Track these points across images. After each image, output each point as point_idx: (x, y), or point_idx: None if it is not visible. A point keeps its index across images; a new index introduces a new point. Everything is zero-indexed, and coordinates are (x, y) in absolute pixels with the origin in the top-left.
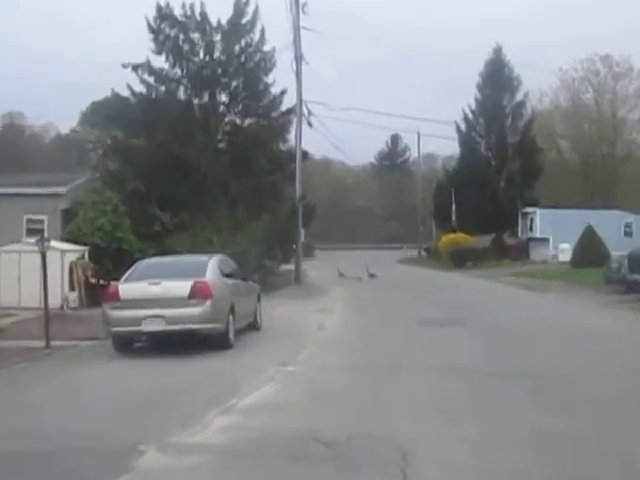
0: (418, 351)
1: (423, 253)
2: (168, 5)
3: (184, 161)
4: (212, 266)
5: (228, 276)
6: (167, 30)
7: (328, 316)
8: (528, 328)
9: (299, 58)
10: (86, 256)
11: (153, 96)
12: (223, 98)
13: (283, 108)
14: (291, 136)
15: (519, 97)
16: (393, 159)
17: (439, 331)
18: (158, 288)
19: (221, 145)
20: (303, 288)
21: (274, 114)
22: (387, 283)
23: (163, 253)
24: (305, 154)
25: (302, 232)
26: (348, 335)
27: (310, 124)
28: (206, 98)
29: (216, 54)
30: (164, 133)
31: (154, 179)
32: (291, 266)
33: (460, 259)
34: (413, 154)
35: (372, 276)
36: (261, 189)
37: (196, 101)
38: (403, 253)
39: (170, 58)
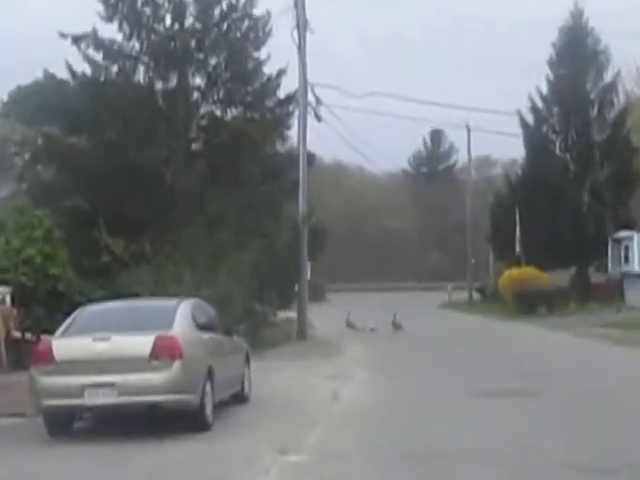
0: (471, 434)
1: (475, 295)
2: None
3: (144, 168)
4: (182, 314)
5: (205, 328)
6: None
7: (343, 384)
8: (634, 407)
9: (302, 25)
10: (7, 300)
11: (101, 78)
12: (197, 81)
13: (281, 95)
14: (292, 133)
15: (608, 78)
16: (433, 164)
17: (500, 406)
18: (107, 345)
19: (195, 146)
20: (309, 345)
21: (268, 103)
22: (423, 337)
23: (114, 296)
24: (312, 158)
25: (308, 266)
26: (371, 410)
27: (318, 117)
28: (174, 81)
29: (188, 21)
30: (116, 130)
31: (102, 193)
32: (292, 314)
33: (528, 303)
34: (461, 157)
35: (397, 327)
36: (251, 206)
37: (160, 85)
38: (447, 295)
39: (125, 27)
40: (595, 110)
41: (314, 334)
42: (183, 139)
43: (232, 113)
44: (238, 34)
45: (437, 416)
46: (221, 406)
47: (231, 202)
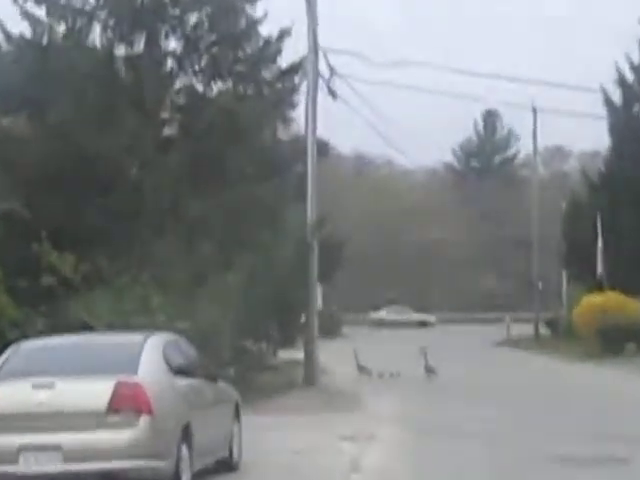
0: None
1: (544, 330)
2: None
3: (101, 161)
4: (151, 354)
5: (181, 372)
6: None
7: (365, 449)
8: None
9: None
10: None
11: (44, 41)
12: (172, 45)
13: (283, 64)
14: (298, 115)
15: None
16: (487, 156)
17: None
18: (50, 395)
19: (169, 131)
20: (319, 395)
21: (266, 74)
22: (470, 386)
23: (60, 329)
24: (324, 147)
25: (319, 290)
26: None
27: (333, 93)
28: (141, 45)
29: None
30: (64, 110)
31: (45, 194)
32: (298, 354)
33: (613, 340)
34: (524, 147)
35: (430, 371)
36: (242, 212)
37: (122, 51)
38: (506, 329)
39: None
40: None
41: (326, 381)
42: (153, 122)
43: (218, 88)
44: None
45: None
46: (203, 475)
47: (216, 206)
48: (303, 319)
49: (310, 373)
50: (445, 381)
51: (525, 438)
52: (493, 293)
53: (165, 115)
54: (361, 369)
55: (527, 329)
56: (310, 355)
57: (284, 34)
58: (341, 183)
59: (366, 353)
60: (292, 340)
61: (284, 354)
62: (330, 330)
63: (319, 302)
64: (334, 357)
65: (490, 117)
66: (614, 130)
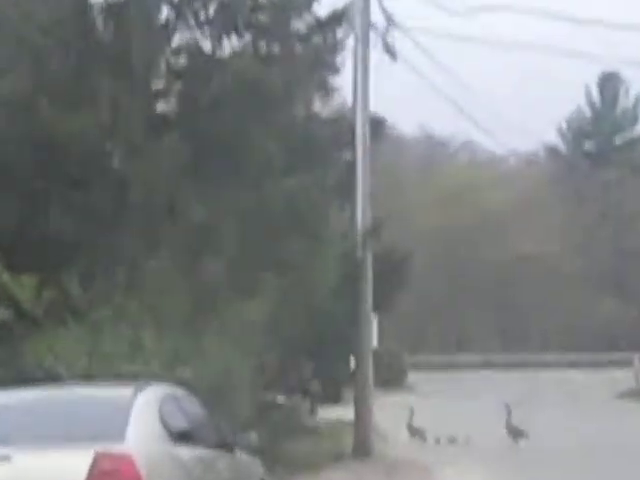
0: None
1: None
2: None
3: (71, 146)
4: (143, 414)
5: (184, 439)
6: None
7: None
8: None
9: None
10: None
11: None
12: None
13: (321, 11)
14: (343, 82)
15: None
16: (605, 135)
17: None
18: (6, 471)
19: (164, 107)
20: (375, 469)
21: (298, 25)
22: (582, 459)
23: (18, 380)
24: (379, 126)
25: (374, 323)
26: None
27: (392, 52)
28: None
29: None
30: (19, 76)
31: None
32: (346, 412)
33: None
34: None
35: (517, 436)
36: (266, 216)
37: None
38: (634, 375)
39: None
40: None
41: (385, 450)
42: (142, 94)
43: (231, 45)
44: None
45: None
46: None
47: (228, 209)
48: (353, 364)
49: (363, 439)
50: (540, 449)
51: None
52: (613, 325)
53: (159, 84)
54: (413, 431)
55: None
56: (363, 414)
57: None
58: (403, 175)
59: (435, 411)
60: (337, 393)
61: (327, 412)
62: (390, 379)
63: (374, 340)
64: (396, 416)
65: (609, 82)
66: None
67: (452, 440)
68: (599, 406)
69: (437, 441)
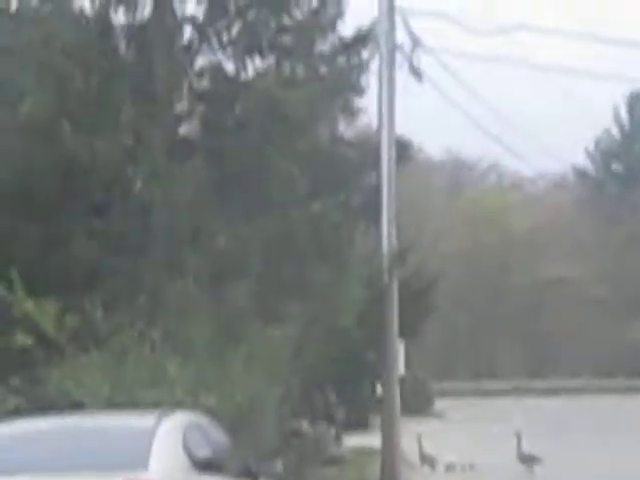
0: None
1: None
2: None
3: (92, 172)
4: (166, 442)
5: (208, 467)
6: None
7: None
8: None
9: None
10: None
11: (13, 7)
12: (191, 9)
13: (346, 31)
14: (369, 103)
15: None
16: (635, 156)
17: None
18: None
19: (187, 129)
20: None
21: (322, 47)
22: None
23: (39, 409)
24: (405, 149)
25: (401, 350)
26: None
27: (417, 73)
28: (147, 10)
29: None
30: (41, 99)
31: (14, 216)
32: (372, 440)
33: None
34: None
35: (530, 462)
36: (289, 242)
37: (121, 17)
38: None
39: None
40: None
41: (412, 478)
42: (164, 117)
43: (255, 67)
44: None
45: None
46: None
47: (253, 234)
48: (379, 391)
49: (391, 467)
50: (556, 476)
51: None
52: None
53: (182, 107)
54: (424, 460)
55: None
56: (390, 441)
57: None
58: (429, 199)
59: (458, 438)
60: (364, 421)
61: (352, 440)
62: (417, 406)
63: (401, 367)
64: (427, 444)
65: (638, 102)
66: None
67: (465, 468)
68: (628, 434)
69: (449, 468)
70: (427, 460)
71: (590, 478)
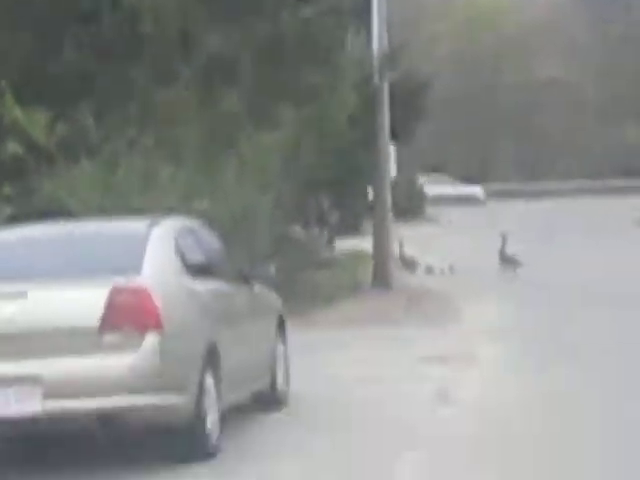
0: None
1: None
2: None
3: None
4: (159, 247)
5: (201, 273)
6: None
7: (459, 373)
8: None
9: None
10: None
11: None
12: None
13: None
14: None
15: None
16: None
17: None
18: (22, 307)
19: None
20: (396, 299)
21: None
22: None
23: (32, 216)
24: None
25: (392, 153)
26: (517, 425)
27: None
28: None
29: None
30: None
31: (2, 25)
32: (364, 243)
33: None
34: None
35: (508, 262)
36: (280, 46)
37: None
38: None
39: None
40: None
41: (405, 280)
42: None
43: None
44: None
45: None
46: (235, 415)
47: (244, 38)
48: (370, 194)
49: (382, 269)
50: (533, 281)
51: None
52: (636, 152)
53: None
54: (405, 263)
55: None
56: (382, 244)
57: None
58: (423, 1)
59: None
60: (356, 224)
61: (345, 243)
62: (409, 209)
63: (393, 169)
64: (416, 247)
65: None
66: None
67: (444, 271)
68: (615, 231)
69: (428, 271)
70: (407, 263)
71: (565, 277)
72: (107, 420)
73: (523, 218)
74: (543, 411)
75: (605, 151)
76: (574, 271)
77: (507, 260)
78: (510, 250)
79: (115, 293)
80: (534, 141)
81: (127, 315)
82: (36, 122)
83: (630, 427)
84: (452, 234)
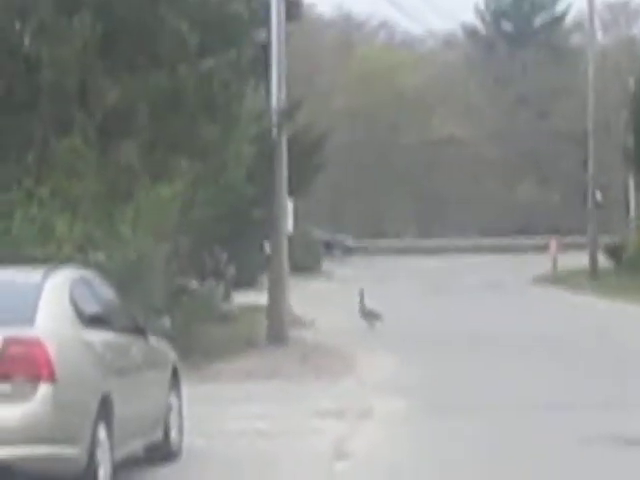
0: None
1: (605, 259)
2: None
3: None
4: (53, 297)
5: (95, 323)
6: None
7: (355, 428)
8: None
9: None
10: None
11: None
12: None
13: None
14: None
15: None
16: (524, 16)
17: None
18: None
19: None
20: (291, 353)
21: None
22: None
23: None
24: (295, 6)
25: (289, 207)
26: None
27: None
28: None
29: None
30: None
31: None
32: (260, 298)
33: None
34: (577, 3)
35: (370, 317)
36: (178, 99)
37: None
38: (551, 259)
39: None
40: None
41: (300, 334)
42: None
43: None
44: None
45: None
46: (128, 466)
47: (141, 91)
48: (267, 248)
49: (278, 324)
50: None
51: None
52: (531, 209)
53: None
54: (365, 315)
55: (580, 259)
56: (277, 299)
57: None
58: (320, 57)
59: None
60: (252, 278)
61: (242, 298)
62: (306, 264)
63: (290, 224)
64: (312, 302)
65: None
66: None
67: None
68: (514, 288)
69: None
70: (368, 315)
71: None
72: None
73: (417, 274)
74: (439, 463)
75: (500, 209)
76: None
77: (366, 314)
78: (366, 304)
79: (7, 343)
80: (430, 198)
81: (20, 365)
82: None
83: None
84: (344, 289)
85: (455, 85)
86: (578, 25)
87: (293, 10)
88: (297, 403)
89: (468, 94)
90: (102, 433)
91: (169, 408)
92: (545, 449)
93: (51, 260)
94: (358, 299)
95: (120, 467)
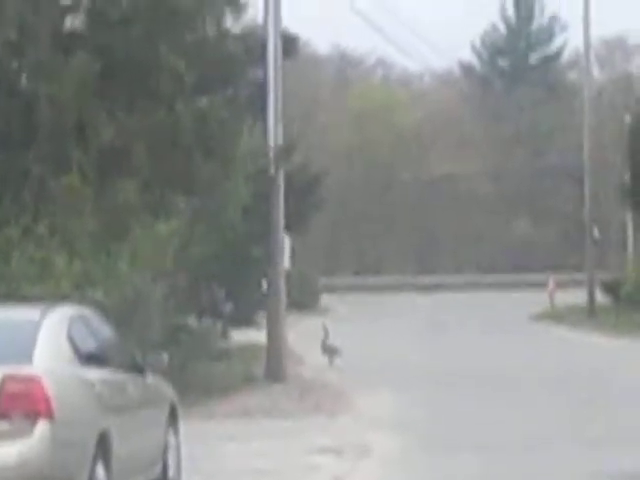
0: None
1: (602, 296)
2: None
3: None
4: (51, 335)
5: (94, 361)
6: None
7: (354, 467)
8: None
9: None
10: None
11: None
12: None
13: None
14: None
15: None
16: (520, 53)
17: None
18: None
19: (73, 23)
20: (289, 391)
21: None
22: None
23: None
24: (292, 43)
25: (286, 245)
26: None
27: None
28: None
29: None
30: None
31: None
32: (258, 335)
33: None
34: (574, 40)
35: (332, 354)
36: (175, 138)
37: None
38: (548, 296)
39: None
40: None
41: (299, 372)
42: (49, 10)
43: None
44: None
45: None
46: None
47: (138, 129)
48: (265, 286)
49: (276, 362)
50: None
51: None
52: (527, 246)
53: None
54: (326, 350)
55: (578, 296)
56: (275, 336)
57: None
58: (317, 94)
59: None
60: (250, 315)
61: (240, 335)
62: (303, 301)
63: (286, 262)
64: (309, 339)
65: None
66: None
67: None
68: (513, 327)
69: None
70: (329, 351)
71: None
72: None
73: (414, 311)
74: None
75: (497, 246)
76: (466, 364)
77: (327, 349)
78: (329, 339)
79: (5, 381)
80: (427, 235)
81: (18, 403)
82: None
83: None
84: (342, 326)
85: (451, 122)
86: (574, 62)
87: (289, 47)
88: (295, 440)
89: (464, 131)
90: (100, 471)
91: (167, 446)
92: None
93: (49, 298)
94: (322, 334)
95: None
